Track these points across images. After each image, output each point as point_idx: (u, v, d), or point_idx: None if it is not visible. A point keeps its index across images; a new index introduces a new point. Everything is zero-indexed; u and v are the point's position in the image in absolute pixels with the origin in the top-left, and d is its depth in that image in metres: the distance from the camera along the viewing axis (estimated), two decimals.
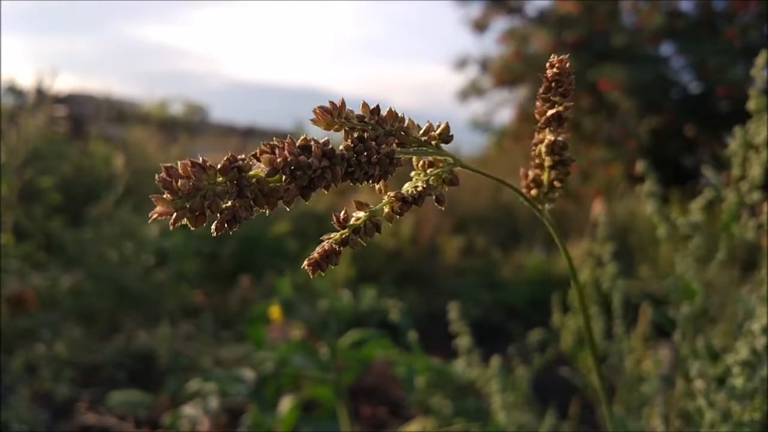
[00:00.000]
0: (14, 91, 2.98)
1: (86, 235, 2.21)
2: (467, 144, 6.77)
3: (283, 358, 1.32)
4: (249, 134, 7.11)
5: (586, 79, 5.29)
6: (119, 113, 6.41)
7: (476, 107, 12.53)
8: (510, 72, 5.83)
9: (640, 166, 0.76)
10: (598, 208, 0.92)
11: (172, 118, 7.46)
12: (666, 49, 5.77)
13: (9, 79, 2.95)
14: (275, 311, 1.57)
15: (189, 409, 1.34)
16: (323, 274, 0.34)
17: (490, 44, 8.87)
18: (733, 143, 0.66)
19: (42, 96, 2.61)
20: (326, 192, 0.32)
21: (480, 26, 6.14)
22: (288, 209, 0.32)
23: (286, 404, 1.25)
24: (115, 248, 2.18)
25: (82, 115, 5.64)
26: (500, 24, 6.15)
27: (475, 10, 6.16)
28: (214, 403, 1.33)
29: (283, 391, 1.34)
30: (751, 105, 0.64)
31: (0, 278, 1.72)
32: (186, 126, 6.83)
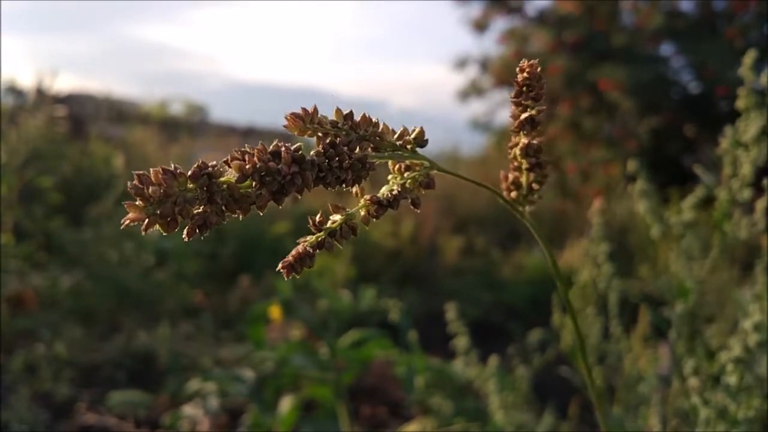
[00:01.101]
0: (14, 91, 2.98)
1: (86, 235, 2.21)
2: (467, 144, 6.77)
3: (283, 358, 1.33)
4: (249, 134, 7.11)
5: (586, 79, 5.29)
6: (119, 113, 6.41)
7: (476, 107, 12.52)
8: (510, 72, 5.81)
9: (631, 165, 0.77)
10: (597, 207, 0.92)
11: (172, 118, 7.46)
12: (666, 49, 5.76)
13: (9, 79, 2.95)
14: (275, 311, 1.57)
15: (189, 409, 1.34)
16: (297, 277, 0.34)
17: (490, 44, 8.87)
18: (724, 142, 0.67)
19: (42, 96, 2.61)
20: (299, 197, 0.32)
21: (480, 26, 6.14)
22: (261, 213, 0.32)
23: (286, 404, 1.26)
24: (115, 248, 2.18)
25: (82, 115, 5.64)
26: (500, 24, 6.15)
27: (475, 10, 6.17)
28: (214, 403, 1.33)
29: (283, 391, 1.34)
30: (740, 103, 0.64)
31: (0, 278, 1.72)
32: (186, 126, 6.82)
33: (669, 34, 5.34)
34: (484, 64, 6.29)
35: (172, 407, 1.49)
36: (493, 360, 1.00)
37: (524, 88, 0.38)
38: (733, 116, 0.68)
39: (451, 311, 1.02)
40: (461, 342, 1.02)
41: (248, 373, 1.35)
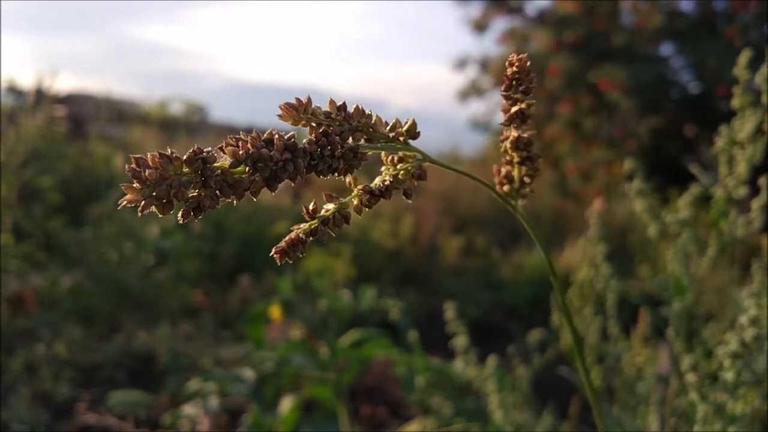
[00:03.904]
0: (14, 91, 2.98)
1: (86, 235, 2.21)
2: (467, 144, 6.77)
3: (283, 358, 1.33)
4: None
5: (586, 79, 5.29)
6: (119, 113, 6.41)
7: (476, 107, 12.53)
8: None
9: (628, 164, 0.77)
10: (597, 207, 0.93)
11: (171, 117, 7.46)
12: (666, 49, 5.77)
13: (9, 79, 2.95)
14: (275, 311, 1.57)
15: (189, 409, 1.34)
16: (290, 262, 0.35)
17: (490, 44, 8.85)
18: (720, 141, 0.67)
19: (42, 96, 2.61)
20: (293, 184, 0.33)
21: (480, 26, 6.14)
22: (254, 200, 0.33)
23: (286, 404, 1.26)
24: (115, 248, 2.18)
25: (82, 115, 5.64)
26: (500, 24, 6.15)
27: (475, 10, 6.17)
28: (214, 402, 1.33)
29: (283, 391, 1.34)
30: (735, 103, 0.65)
31: (0, 278, 1.72)
32: (186, 125, 6.83)
33: (669, 34, 5.34)
34: (484, 64, 6.29)
35: (172, 407, 1.49)
36: (492, 360, 1.00)
37: (513, 82, 0.39)
38: (733, 116, 0.68)
39: (449, 311, 1.02)
40: (460, 341, 1.02)
41: (248, 373, 1.35)
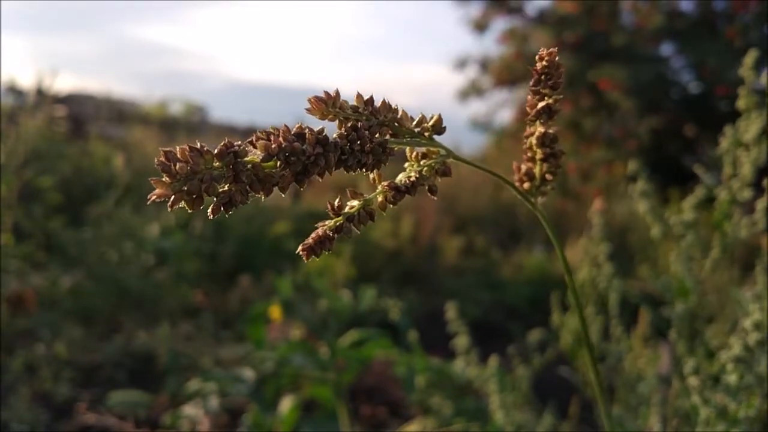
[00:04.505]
0: (14, 91, 2.98)
1: (86, 235, 2.21)
2: (467, 144, 6.77)
3: (283, 358, 1.32)
4: (249, 134, 7.09)
5: (586, 79, 5.29)
6: (119, 113, 6.41)
7: (476, 107, 12.54)
8: (510, 72, 5.83)
9: (631, 165, 0.77)
10: (597, 207, 0.92)
11: (172, 117, 7.46)
12: (666, 49, 5.77)
13: (9, 79, 2.95)
14: (275, 311, 1.57)
15: (189, 409, 1.34)
16: (317, 259, 0.35)
17: (490, 44, 8.86)
18: (724, 142, 0.67)
19: (42, 96, 2.60)
20: (320, 179, 0.33)
21: (480, 26, 6.14)
22: (283, 195, 0.33)
23: (286, 404, 1.25)
24: (115, 248, 2.18)
25: (82, 115, 5.64)
26: (500, 24, 6.15)
27: (475, 10, 6.17)
28: (214, 403, 1.33)
29: (283, 391, 1.34)
30: (741, 103, 0.64)
31: (0, 278, 1.72)
32: (186, 126, 6.83)
33: (669, 34, 5.34)
34: (484, 64, 6.29)
35: (172, 407, 1.49)
36: (493, 360, 1.00)
37: (542, 77, 0.38)
38: (733, 116, 0.68)
39: (451, 310, 1.02)
40: (461, 341, 1.02)
41: (248, 373, 1.35)
